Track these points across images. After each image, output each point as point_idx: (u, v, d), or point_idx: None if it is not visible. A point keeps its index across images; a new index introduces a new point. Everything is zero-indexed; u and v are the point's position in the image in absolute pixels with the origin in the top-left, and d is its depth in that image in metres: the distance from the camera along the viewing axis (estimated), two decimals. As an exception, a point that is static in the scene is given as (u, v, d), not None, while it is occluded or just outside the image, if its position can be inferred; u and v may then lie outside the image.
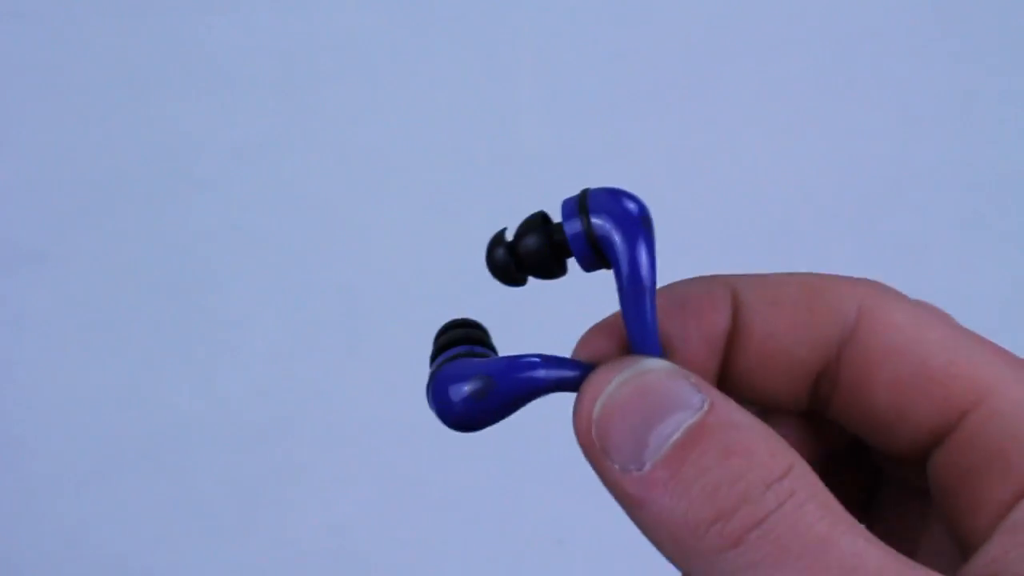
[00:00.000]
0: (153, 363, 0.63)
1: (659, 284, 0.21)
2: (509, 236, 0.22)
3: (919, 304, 0.23)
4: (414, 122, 0.64)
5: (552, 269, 0.21)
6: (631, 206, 0.20)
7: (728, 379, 0.23)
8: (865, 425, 0.22)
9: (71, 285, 0.63)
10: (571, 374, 0.21)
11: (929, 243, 0.65)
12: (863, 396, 0.22)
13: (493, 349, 0.23)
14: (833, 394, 0.23)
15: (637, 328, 0.20)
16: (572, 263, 0.21)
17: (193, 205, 0.64)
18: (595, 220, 0.20)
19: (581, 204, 0.20)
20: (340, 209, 0.64)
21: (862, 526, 0.18)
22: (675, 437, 0.19)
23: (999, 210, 0.65)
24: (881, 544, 0.18)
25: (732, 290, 0.23)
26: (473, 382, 0.21)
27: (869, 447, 0.24)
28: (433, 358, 0.23)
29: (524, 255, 0.21)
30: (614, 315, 0.22)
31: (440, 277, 0.63)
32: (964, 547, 0.20)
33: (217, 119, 0.64)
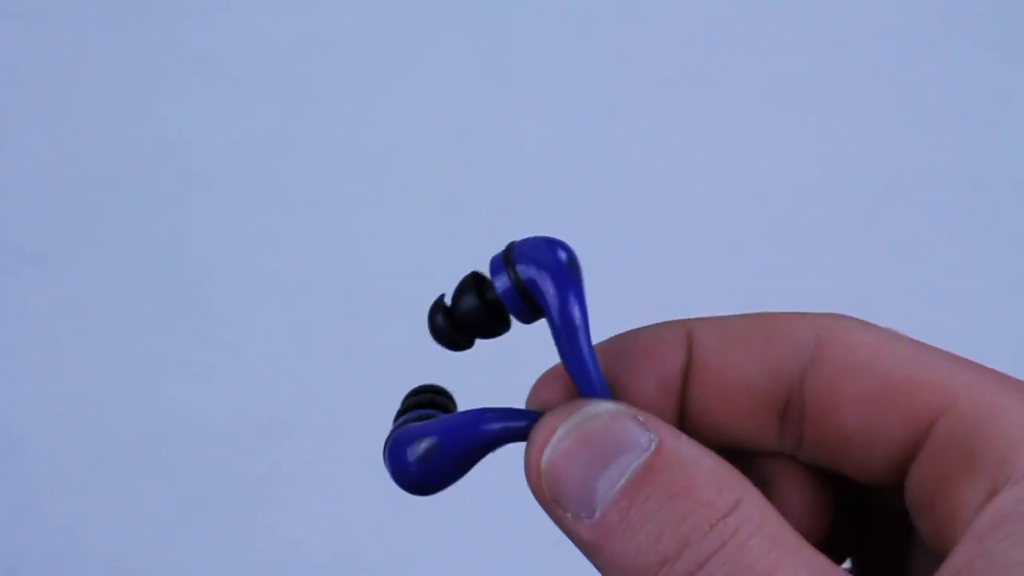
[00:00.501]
0: (153, 363, 0.63)
1: (626, 331, 0.22)
2: (448, 302, 0.22)
3: (877, 326, 0.22)
4: (414, 122, 0.64)
5: (493, 327, 0.21)
6: (554, 252, 0.21)
7: (689, 420, 0.23)
8: (839, 453, 0.22)
9: (71, 285, 0.63)
10: (519, 425, 0.21)
11: (929, 243, 0.65)
12: (832, 421, 0.22)
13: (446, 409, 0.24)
14: (803, 427, 0.22)
15: (577, 371, 0.20)
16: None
17: (193, 205, 0.64)
18: (520, 269, 0.20)
19: (506, 257, 0.21)
20: (340, 209, 0.64)
21: (814, 553, 0.18)
22: (622, 482, 0.19)
23: (999, 210, 0.65)
24: (832, 568, 0.18)
25: (686, 330, 0.23)
26: (420, 444, 0.21)
27: (849, 481, 0.23)
28: (395, 420, 0.23)
29: (463, 317, 0.21)
30: (556, 365, 0.22)
31: (440, 277, 0.63)
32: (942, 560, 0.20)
33: (217, 119, 0.64)
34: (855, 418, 0.21)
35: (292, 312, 0.64)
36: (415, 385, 0.24)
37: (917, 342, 0.22)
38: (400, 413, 0.23)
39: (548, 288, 0.20)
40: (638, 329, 0.23)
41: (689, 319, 0.23)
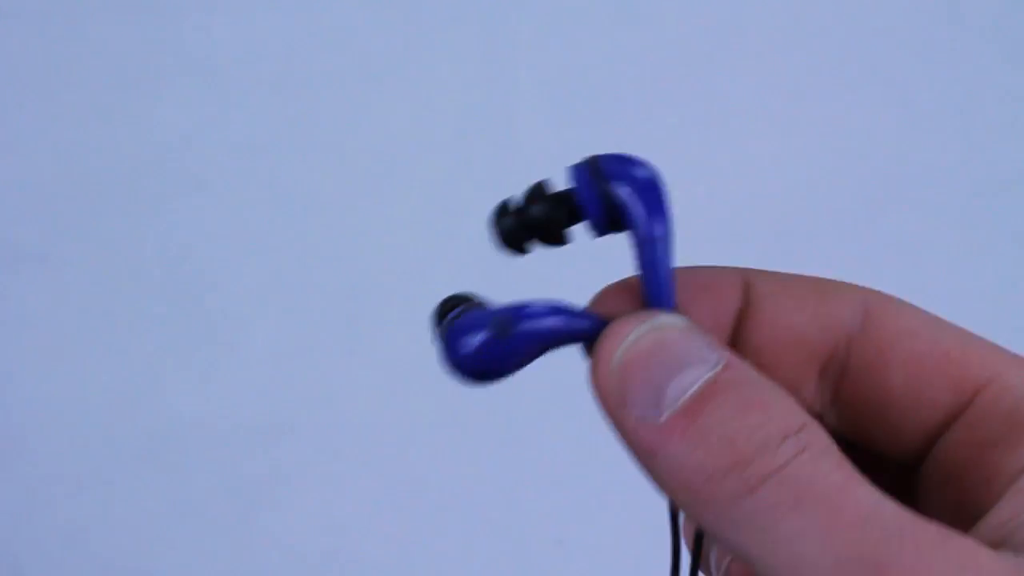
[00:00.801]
0: (153, 363, 0.63)
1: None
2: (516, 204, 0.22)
3: (921, 308, 0.23)
4: (414, 122, 0.64)
5: (562, 235, 0.22)
6: (644, 169, 0.21)
7: None
8: (876, 414, 0.23)
9: (71, 285, 0.63)
10: (586, 325, 0.21)
11: (929, 243, 0.65)
12: (877, 378, 0.22)
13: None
14: (842, 383, 0.23)
15: (654, 283, 0.21)
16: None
17: (193, 205, 0.64)
18: (612, 183, 0.21)
19: (595, 170, 0.21)
20: (340, 209, 0.64)
21: (868, 483, 0.18)
22: (693, 389, 0.19)
23: (999, 210, 0.65)
24: (894, 500, 0.18)
25: (743, 276, 0.24)
26: (490, 327, 0.21)
27: (864, 454, 0.24)
28: (436, 326, 0.23)
29: (536, 222, 0.21)
30: (628, 278, 0.22)
31: (440, 277, 0.63)
32: (971, 523, 0.20)
33: (216, 119, 0.64)
34: (901, 380, 0.22)
35: (292, 312, 0.64)
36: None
37: (957, 326, 0.23)
38: (441, 315, 0.22)
39: (640, 202, 0.21)
40: (697, 267, 0.24)
41: (746, 268, 0.24)
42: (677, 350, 0.20)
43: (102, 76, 0.63)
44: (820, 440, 0.19)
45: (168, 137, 0.63)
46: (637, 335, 0.20)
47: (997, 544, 0.18)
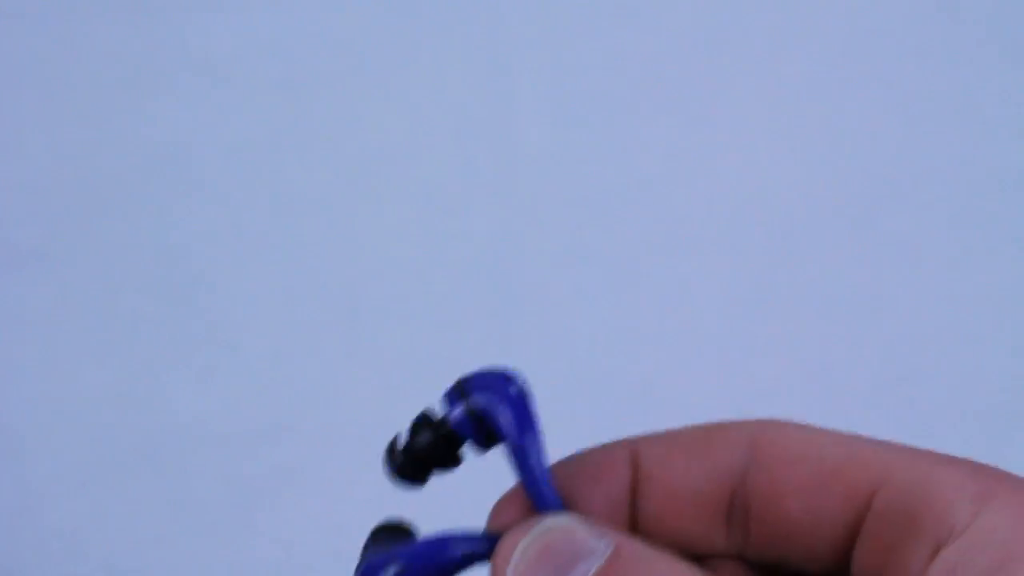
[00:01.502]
0: (153, 363, 0.63)
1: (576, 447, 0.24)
2: (402, 442, 0.24)
3: (806, 424, 0.24)
4: (414, 122, 0.64)
5: (448, 460, 0.23)
6: (505, 382, 0.23)
7: (640, 530, 0.24)
8: (786, 543, 0.23)
9: (71, 285, 0.63)
10: (481, 548, 0.22)
11: (929, 243, 0.65)
12: (777, 513, 0.22)
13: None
14: (748, 524, 0.23)
15: (533, 489, 0.22)
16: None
17: (193, 205, 0.64)
18: (474, 398, 0.22)
19: (460, 391, 0.23)
20: (340, 209, 0.64)
21: None
22: None
23: (999, 210, 0.65)
24: None
25: (629, 448, 0.24)
26: (390, 568, 0.22)
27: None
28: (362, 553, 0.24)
29: (419, 452, 0.23)
30: (514, 487, 0.23)
31: (440, 277, 0.63)
32: None
33: (216, 119, 0.64)
34: (798, 506, 0.22)
35: (292, 312, 0.64)
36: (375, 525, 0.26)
37: (845, 432, 0.23)
38: (364, 548, 0.24)
39: (503, 416, 0.22)
40: (585, 451, 0.24)
41: (633, 437, 0.24)
42: (563, 549, 0.20)
43: (102, 76, 0.63)
44: None
45: (168, 137, 0.63)
46: (523, 546, 0.20)
47: None
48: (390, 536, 0.24)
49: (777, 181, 0.65)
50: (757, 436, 0.23)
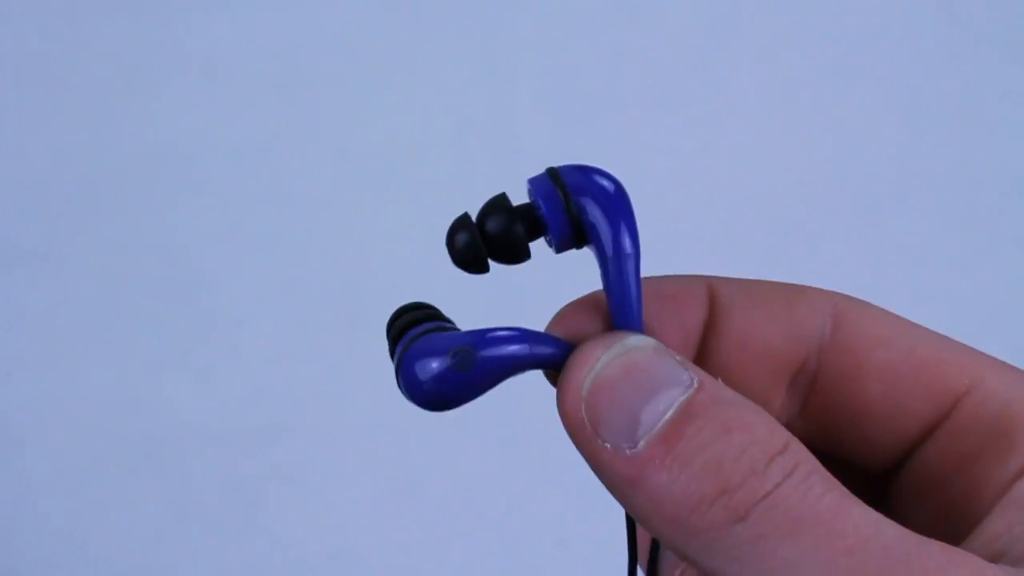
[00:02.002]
0: (153, 363, 0.63)
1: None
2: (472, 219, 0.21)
3: (891, 312, 0.23)
4: (414, 122, 0.64)
5: (522, 252, 0.20)
6: (607, 182, 0.20)
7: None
8: (849, 423, 0.22)
9: (71, 285, 0.63)
10: (551, 351, 0.20)
11: (929, 243, 0.65)
12: (850, 389, 0.21)
13: (455, 328, 0.22)
14: (812, 394, 0.22)
15: (621, 303, 0.20)
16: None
17: (193, 205, 0.64)
18: (575, 198, 0.20)
19: (557, 182, 0.20)
20: (340, 209, 0.64)
21: (858, 501, 0.18)
22: (669, 414, 0.18)
23: (999, 210, 0.65)
24: (891, 520, 0.17)
25: (709, 287, 0.23)
26: (451, 355, 0.20)
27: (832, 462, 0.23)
28: (394, 344, 0.22)
29: (494, 237, 0.20)
30: (590, 295, 0.21)
31: (440, 277, 0.63)
32: (957, 536, 0.20)
33: (216, 119, 0.64)
34: (878, 388, 0.21)
35: (292, 312, 0.64)
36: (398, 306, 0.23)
37: (930, 329, 0.22)
38: (400, 333, 0.21)
39: (604, 215, 0.20)
40: (660, 277, 0.23)
41: (711, 276, 0.23)
42: (649, 372, 0.19)
43: (102, 76, 0.63)
44: (807, 459, 0.18)
45: (168, 137, 0.63)
46: (606, 360, 0.19)
47: (992, 558, 0.18)
48: (423, 315, 0.22)
49: (777, 181, 0.65)
50: (842, 308, 0.22)
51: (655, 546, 0.23)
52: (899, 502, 0.22)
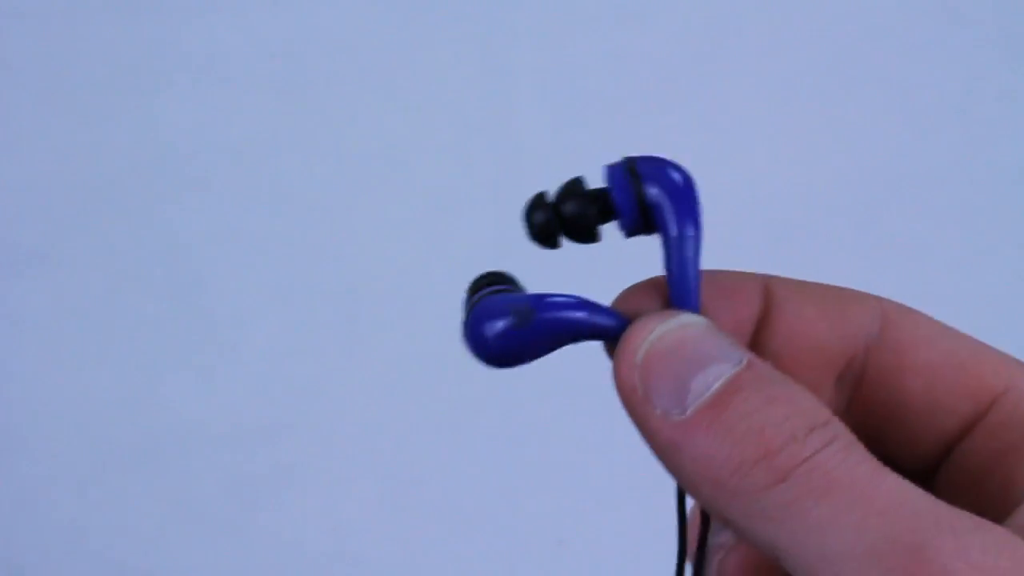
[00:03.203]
0: (153, 363, 0.63)
1: None
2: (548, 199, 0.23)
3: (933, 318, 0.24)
4: (414, 122, 0.64)
5: (594, 233, 0.22)
6: (679, 172, 0.22)
7: None
8: (892, 420, 0.23)
9: (71, 286, 0.63)
10: (609, 322, 0.21)
11: (929, 243, 0.65)
12: (895, 386, 0.23)
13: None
14: (858, 390, 0.23)
15: (681, 283, 0.22)
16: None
17: (193, 205, 0.64)
18: (647, 186, 0.21)
19: (631, 171, 0.22)
20: (339, 209, 0.64)
21: (897, 475, 0.18)
22: (718, 384, 0.19)
23: (999, 210, 0.65)
24: (923, 490, 0.18)
25: (764, 282, 0.24)
26: (511, 316, 0.21)
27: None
28: (467, 302, 0.23)
29: (569, 218, 0.22)
30: (652, 279, 0.23)
31: (440, 277, 0.63)
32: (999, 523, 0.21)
33: (216, 119, 0.64)
34: (921, 386, 0.22)
35: (292, 312, 0.64)
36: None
37: (970, 335, 0.23)
38: (473, 292, 0.23)
39: (672, 203, 0.21)
40: (719, 271, 0.24)
41: (767, 274, 0.24)
42: (701, 347, 0.20)
43: (102, 76, 0.63)
44: (846, 433, 0.19)
45: (168, 137, 0.63)
46: (661, 331, 0.20)
47: None
48: (499, 278, 0.23)
49: (777, 181, 0.65)
50: (889, 312, 0.23)
51: (704, 536, 0.24)
52: (941, 498, 0.23)
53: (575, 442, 0.61)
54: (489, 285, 0.23)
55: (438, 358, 0.62)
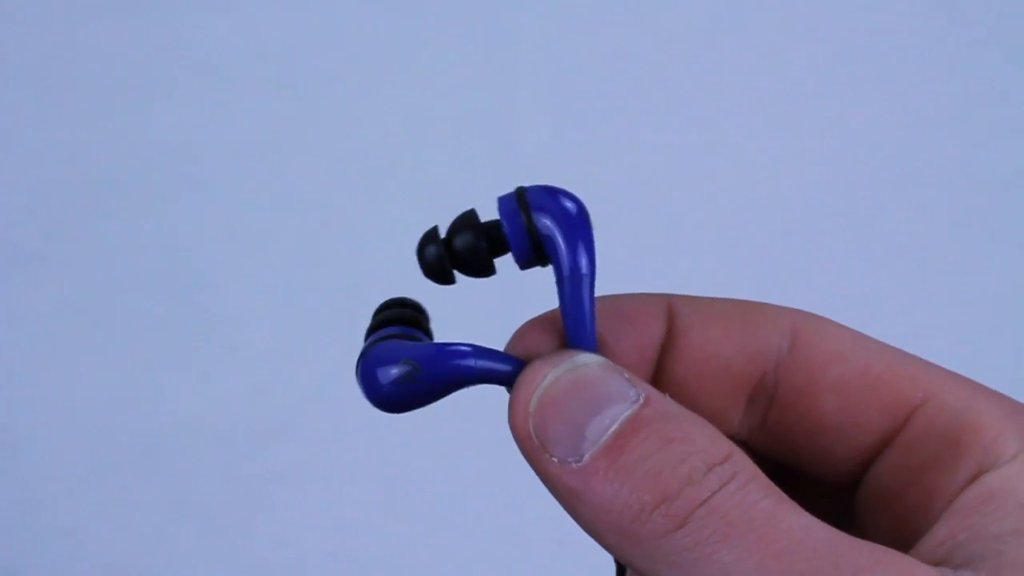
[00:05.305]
0: (152, 363, 0.63)
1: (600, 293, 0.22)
2: (442, 234, 0.22)
3: (847, 327, 0.23)
4: (414, 122, 0.64)
5: (487, 267, 0.21)
6: (570, 204, 0.21)
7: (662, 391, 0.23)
8: (805, 440, 0.22)
9: (70, 286, 0.63)
10: (502, 367, 0.21)
11: (929, 243, 0.65)
12: (807, 403, 0.22)
13: (428, 333, 0.23)
14: (771, 409, 0.23)
15: (575, 322, 0.21)
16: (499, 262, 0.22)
17: (192, 205, 0.64)
18: (537, 217, 0.21)
19: (521, 202, 0.21)
20: (339, 209, 0.64)
21: (798, 507, 0.18)
22: (613, 428, 0.19)
23: (999, 210, 0.65)
24: (824, 524, 0.18)
25: (667, 304, 0.23)
26: (400, 366, 0.21)
27: (797, 475, 0.23)
28: (367, 335, 0.23)
29: (460, 252, 0.21)
30: (548, 312, 0.22)
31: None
32: (909, 546, 0.20)
33: (216, 119, 0.64)
34: (833, 403, 0.22)
35: (291, 313, 0.64)
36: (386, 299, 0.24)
37: (888, 344, 0.22)
38: (373, 328, 0.23)
39: (562, 235, 0.20)
40: (620, 295, 0.23)
41: (670, 294, 0.23)
42: (595, 389, 0.19)
43: (101, 76, 0.63)
44: (746, 468, 0.18)
45: (168, 137, 0.63)
46: (554, 376, 0.20)
47: (935, 564, 0.18)
48: (399, 314, 0.23)
49: (776, 181, 0.65)
50: (800, 325, 0.22)
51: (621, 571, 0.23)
52: (860, 516, 0.22)
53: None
54: (388, 321, 0.23)
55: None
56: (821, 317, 0.23)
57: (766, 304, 0.23)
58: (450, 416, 0.63)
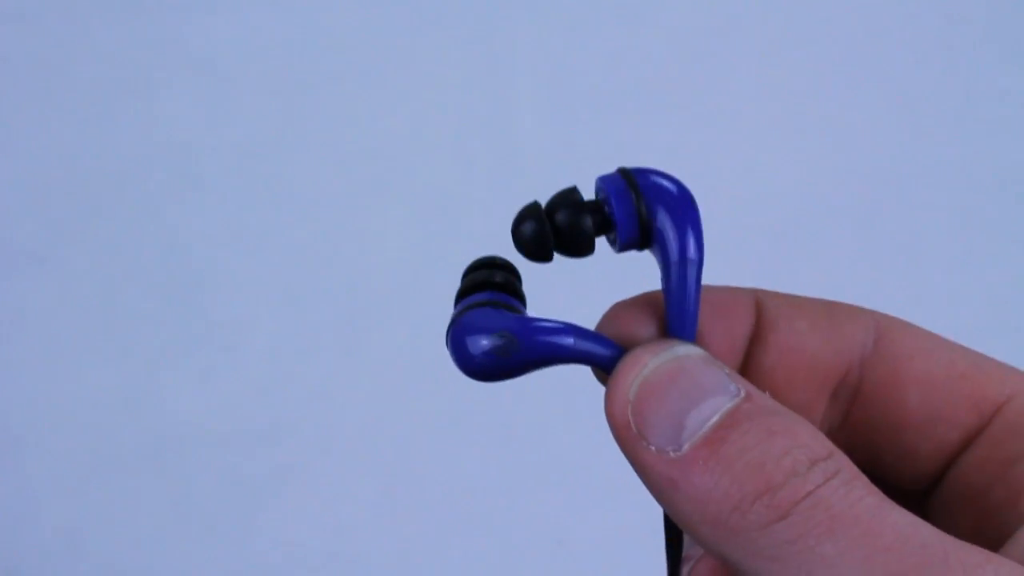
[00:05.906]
0: (153, 364, 0.63)
1: None
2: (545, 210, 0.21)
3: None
4: (414, 122, 0.64)
5: (588, 246, 0.21)
6: (679, 187, 0.21)
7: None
8: (889, 434, 0.22)
9: (70, 286, 0.63)
10: (601, 351, 0.20)
11: (929, 243, 0.65)
12: (891, 400, 0.22)
13: (521, 297, 0.23)
14: (853, 406, 0.23)
15: (680, 309, 0.20)
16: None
17: (192, 206, 0.64)
18: (648, 199, 0.20)
19: (630, 182, 0.20)
20: (339, 209, 0.64)
21: (902, 510, 0.18)
22: (714, 419, 0.19)
23: (999, 210, 0.65)
24: (928, 523, 0.18)
25: (756, 297, 0.23)
26: (495, 337, 0.20)
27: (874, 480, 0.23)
28: (459, 297, 0.22)
29: (564, 229, 0.20)
30: (642, 295, 0.22)
31: (439, 277, 0.63)
32: (995, 544, 0.20)
33: (216, 119, 0.64)
34: (918, 398, 0.22)
35: (291, 313, 0.64)
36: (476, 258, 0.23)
37: (966, 346, 0.22)
38: (465, 291, 0.22)
39: (672, 219, 0.20)
40: (709, 287, 0.23)
41: (758, 288, 0.23)
42: (697, 380, 0.19)
43: (101, 76, 0.63)
44: (849, 466, 0.18)
45: (167, 137, 0.63)
46: (655, 364, 0.19)
47: None
48: (492, 275, 0.22)
49: (776, 181, 0.65)
50: (883, 324, 0.22)
51: (675, 562, 0.23)
52: (939, 517, 0.22)
53: (575, 442, 0.61)
54: (484, 282, 0.22)
55: (438, 358, 0.62)
56: (904, 320, 0.23)
57: (851, 305, 0.23)
58: (450, 416, 0.63)
